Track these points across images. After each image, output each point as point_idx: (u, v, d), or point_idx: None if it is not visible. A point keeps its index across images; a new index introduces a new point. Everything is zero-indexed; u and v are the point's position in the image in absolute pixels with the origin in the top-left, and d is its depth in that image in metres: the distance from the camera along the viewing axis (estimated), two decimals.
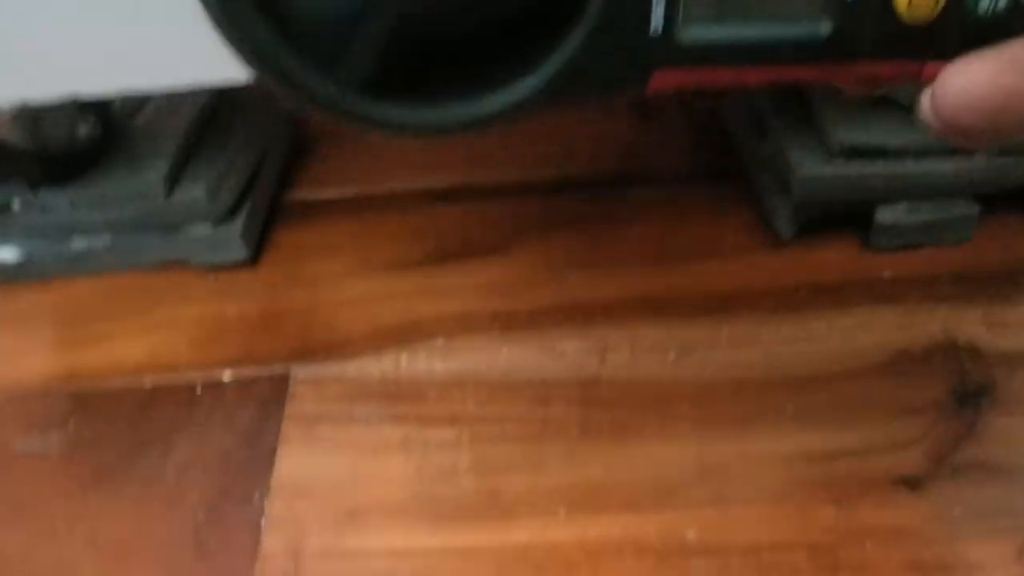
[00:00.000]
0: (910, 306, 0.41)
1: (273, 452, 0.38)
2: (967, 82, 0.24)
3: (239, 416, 0.39)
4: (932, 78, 0.25)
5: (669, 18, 0.24)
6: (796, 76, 0.25)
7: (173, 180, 0.45)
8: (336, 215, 0.50)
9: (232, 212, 0.46)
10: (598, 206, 0.48)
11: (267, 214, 0.49)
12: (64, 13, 0.38)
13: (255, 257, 0.47)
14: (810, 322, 0.41)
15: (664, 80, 0.25)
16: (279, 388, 0.40)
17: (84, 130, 0.47)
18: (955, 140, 0.25)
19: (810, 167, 0.42)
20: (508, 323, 0.42)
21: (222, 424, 0.39)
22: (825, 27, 0.24)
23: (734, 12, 0.25)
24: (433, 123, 0.25)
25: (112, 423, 0.40)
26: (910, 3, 0.23)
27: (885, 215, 0.43)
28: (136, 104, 0.49)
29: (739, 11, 0.25)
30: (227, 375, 0.41)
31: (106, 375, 0.42)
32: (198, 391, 0.41)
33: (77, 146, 0.46)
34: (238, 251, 0.46)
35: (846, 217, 0.44)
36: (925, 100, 0.25)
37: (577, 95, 0.25)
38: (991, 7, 0.24)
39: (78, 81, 0.40)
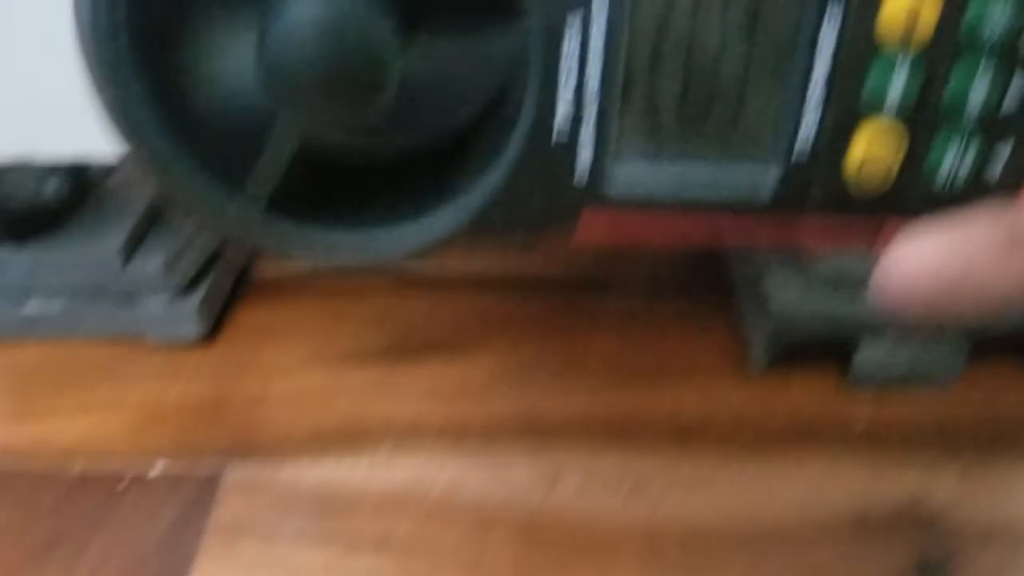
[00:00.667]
0: (883, 458, 0.39)
1: (190, 562, 0.36)
2: (914, 261, 0.22)
3: (162, 517, 0.37)
4: (887, 242, 0.23)
5: (598, 155, 0.22)
6: (739, 231, 0.23)
7: (131, 249, 0.43)
8: (302, 293, 0.48)
9: (190, 286, 0.44)
10: (571, 311, 0.46)
11: (231, 289, 0.47)
12: (22, 75, 0.37)
13: (210, 335, 0.45)
14: (774, 467, 0.39)
15: (595, 224, 0.23)
16: (208, 489, 0.38)
17: (50, 189, 0.45)
18: (908, 318, 0.23)
19: (789, 296, 0.40)
20: (459, 435, 0.40)
21: (143, 524, 0.37)
22: (769, 180, 0.22)
23: (671, 152, 0.22)
24: (344, 250, 0.24)
25: (32, 510, 0.38)
26: (862, 158, 0.21)
27: (866, 353, 0.40)
28: (110, 166, 0.48)
29: (677, 151, 0.22)
30: (157, 468, 0.39)
31: (36, 454, 0.40)
32: (125, 483, 0.39)
33: (41, 205, 0.45)
34: (192, 328, 0.44)
35: (827, 349, 0.42)
36: (877, 273, 0.22)
37: (499, 231, 0.23)
38: (953, 169, 0.21)
39: (34, 143, 0.39)
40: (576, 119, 0.21)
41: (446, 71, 0.21)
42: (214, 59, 0.22)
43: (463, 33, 0.22)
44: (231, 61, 0.22)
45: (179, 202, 0.22)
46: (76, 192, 0.45)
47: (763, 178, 0.22)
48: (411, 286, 0.48)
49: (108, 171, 0.48)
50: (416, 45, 0.21)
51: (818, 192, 0.22)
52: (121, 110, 0.21)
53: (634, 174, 0.22)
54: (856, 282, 0.39)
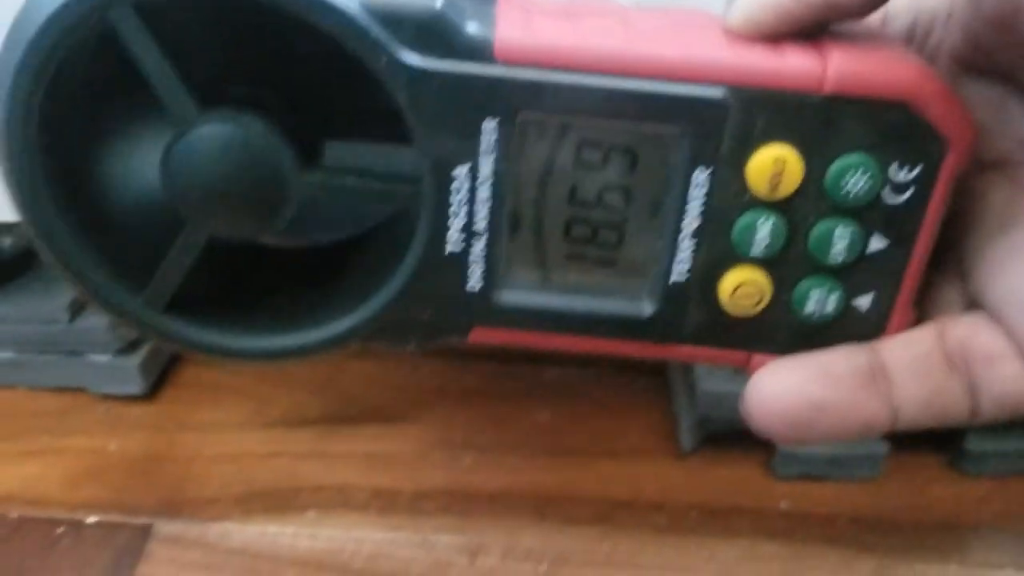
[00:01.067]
0: (800, 547, 0.39)
1: None
2: (775, 389, 0.23)
3: (92, 568, 0.38)
4: (758, 367, 0.24)
5: (488, 279, 0.23)
6: (619, 351, 0.24)
7: (78, 307, 0.44)
8: None
9: (134, 344, 0.45)
10: (509, 381, 0.47)
11: None
12: None
13: (152, 391, 0.46)
14: (693, 548, 0.39)
15: (486, 335, 0.24)
16: (137, 543, 0.39)
17: (7, 243, 0.46)
18: (773, 437, 0.24)
19: (715, 382, 0.41)
20: (387, 504, 0.41)
21: (73, 575, 0.38)
22: (647, 308, 0.23)
23: (557, 280, 0.24)
24: (243, 351, 0.25)
25: None
26: (732, 296, 0.23)
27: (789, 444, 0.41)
28: None
29: (563, 282, 0.24)
30: (91, 519, 0.40)
31: None
32: (59, 532, 0.40)
33: None
34: (134, 385, 0.45)
35: (753, 435, 0.42)
36: (743, 395, 0.24)
37: (393, 338, 0.25)
38: (818, 310, 0.23)
39: None
40: (466, 247, 0.23)
41: (343, 192, 0.22)
42: (123, 163, 0.23)
43: (362, 160, 0.23)
44: (140, 166, 0.23)
45: (80, 294, 0.23)
46: (30, 248, 0.46)
47: (640, 310, 0.23)
48: (354, 353, 0.48)
49: None
50: (316, 169, 0.22)
51: (690, 326, 0.23)
52: (28, 201, 0.22)
53: (521, 299, 0.24)
54: None
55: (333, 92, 0.23)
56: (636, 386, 0.47)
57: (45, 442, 0.44)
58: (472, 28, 0.20)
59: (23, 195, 0.22)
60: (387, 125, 0.22)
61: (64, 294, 0.44)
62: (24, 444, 0.44)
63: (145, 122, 0.23)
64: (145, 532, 0.40)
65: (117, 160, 0.23)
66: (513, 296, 0.24)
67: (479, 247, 0.22)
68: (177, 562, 0.38)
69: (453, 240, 0.22)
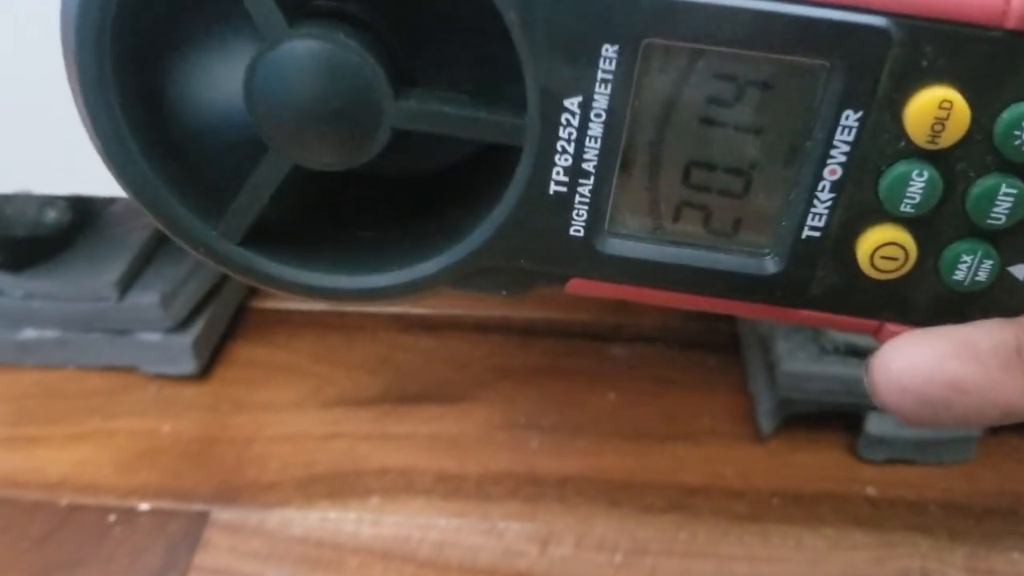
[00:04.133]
0: (889, 535, 0.37)
1: None
2: (909, 363, 0.20)
3: (146, 557, 0.37)
4: (890, 337, 0.21)
5: (592, 225, 0.21)
6: (733, 311, 0.22)
7: (127, 284, 0.43)
8: (301, 330, 0.47)
9: (187, 322, 0.44)
10: (574, 359, 0.45)
11: (228, 323, 0.47)
12: (21, 114, 0.36)
13: (205, 371, 0.44)
14: (777, 537, 0.37)
15: (585, 287, 0.22)
16: (194, 530, 0.37)
17: (52, 216, 0.45)
18: (897, 415, 0.22)
19: (798, 363, 0.39)
20: (452, 489, 0.39)
21: (127, 565, 0.36)
22: (770, 266, 0.21)
23: (668, 234, 0.21)
24: (324, 289, 0.23)
25: (19, 542, 0.37)
26: (872, 257, 0.20)
27: (875, 425, 0.39)
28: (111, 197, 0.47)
29: (675, 233, 0.21)
30: (144, 506, 0.39)
31: (26, 484, 0.40)
32: (111, 519, 0.38)
33: (41, 232, 0.44)
34: (187, 364, 0.43)
35: (836, 417, 0.40)
36: (870, 367, 0.21)
37: (484, 284, 0.22)
38: (967, 277, 0.20)
39: (32, 179, 0.38)
40: (571, 189, 0.20)
41: (440, 121, 0.20)
42: (201, 83, 0.21)
43: (461, 86, 0.21)
44: (219, 87, 0.21)
45: (156, 222, 0.22)
46: (76, 222, 0.44)
47: (763, 268, 0.21)
48: (410, 327, 0.47)
49: (109, 201, 0.47)
50: (411, 94, 0.20)
51: (818, 288, 0.21)
52: (103, 127, 0.20)
53: (628, 249, 0.21)
54: (868, 350, 0.38)
55: (430, 8, 0.21)
56: (708, 364, 0.45)
57: (94, 424, 0.42)
58: None
59: (98, 120, 0.20)
60: (490, 47, 0.19)
61: (112, 270, 0.42)
62: (73, 427, 0.42)
63: (226, 38, 0.21)
64: (202, 519, 0.38)
65: (195, 81, 0.21)
66: (619, 245, 0.21)
67: (585, 189, 0.20)
68: (236, 551, 0.37)
69: (557, 180, 0.20)
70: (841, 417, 0.40)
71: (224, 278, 0.46)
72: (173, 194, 0.21)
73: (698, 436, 0.41)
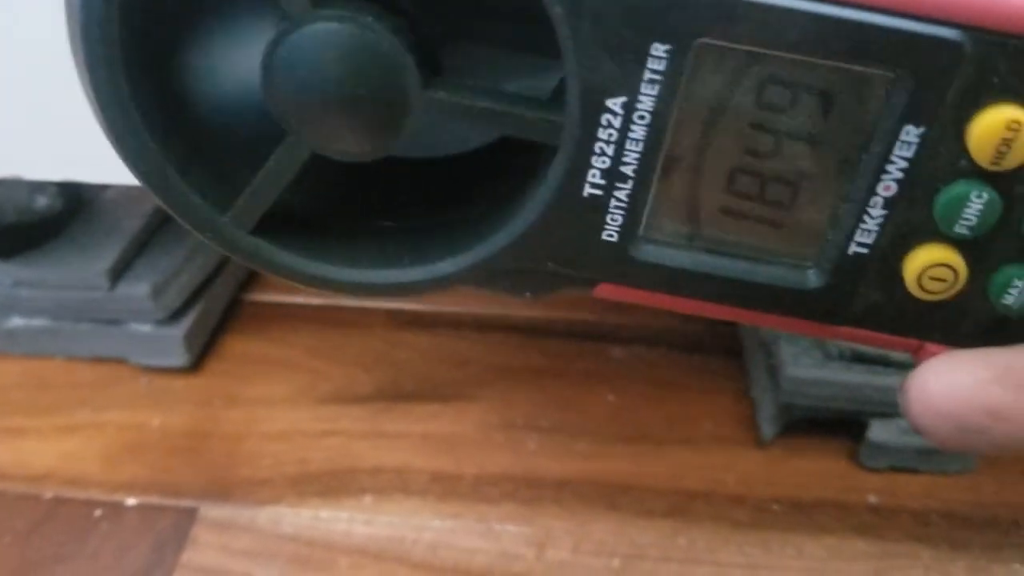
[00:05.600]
0: (890, 544, 0.37)
1: None
2: (947, 387, 0.20)
3: (132, 554, 0.36)
4: (929, 357, 0.21)
5: (627, 230, 0.20)
6: (770, 324, 0.21)
7: (118, 273, 0.42)
8: (295, 324, 0.46)
9: (178, 313, 0.43)
10: (574, 360, 0.45)
11: (221, 316, 0.46)
12: (11, 97, 0.35)
13: (197, 364, 0.43)
14: (777, 545, 0.37)
15: (614, 292, 0.21)
16: (182, 527, 0.37)
17: (42, 202, 0.44)
18: (931, 438, 0.21)
19: (801, 368, 0.38)
20: (448, 489, 0.38)
21: (112, 561, 0.35)
22: (812, 280, 0.20)
23: (708, 240, 0.21)
24: (339, 282, 0.22)
25: (1, 536, 0.36)
26: (920, 277, 0.19)
27: (878, 432, 0.38)
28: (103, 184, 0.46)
29: (714, 241, 0.20)
30: (131, 501, 0.38)
31: (10, 477, 0.39)
32: (97, 514, 0.37)
33: (31, 218, 0.43)
34: (178, 356, 0.42)
35: (839, 424, 0.40)
36: (905, 387, 0.20)
37: (507, 286, 0.22)
38: (1019, 300, 0.19)
39: (22, 164, 0.37)
40: (607, 192, 0.19)
41: (471, 114, 0.19)
42: (216, 64, 0.20)
43: (495, 77, 0.20)
44: (235, 69, 0.21)
45: (166, 206, 0.21)
46: (67, 208, 0.43)
47: (804, 282, 0.20)
48: (408, 324, 0.46)
49: (101, 188, 0.46)
50: (440, 83, 0.19)
51: (861, 305, 0.20)
52: (111, 108, 0.19)
53: (663, 256, 0.20)
54: (874, 357, 0.38)
55: None
56: (709, 367, 0.44)
57: (83, 416, 0.41)
58: None
59: (106, 100, 0.19)
60: (528, 38, 0.19)
61: (104, 258, 0.41)
62: (60, 418, 0.41)
63: (244, 16, 0.20)
64: (190, 516, 0.37)
65: (209, 61, 0.20)
66: (654, 252, 0.20)
67: (622, 193, 0.19)
68: (225, 549, 0.36)
69: (593, 182, 0.19)
70: (843, 424, 0.39)
71: (218, 270, 0.45)
72: (184, 179, 0.20)
73: (698, 440, 0.41)
